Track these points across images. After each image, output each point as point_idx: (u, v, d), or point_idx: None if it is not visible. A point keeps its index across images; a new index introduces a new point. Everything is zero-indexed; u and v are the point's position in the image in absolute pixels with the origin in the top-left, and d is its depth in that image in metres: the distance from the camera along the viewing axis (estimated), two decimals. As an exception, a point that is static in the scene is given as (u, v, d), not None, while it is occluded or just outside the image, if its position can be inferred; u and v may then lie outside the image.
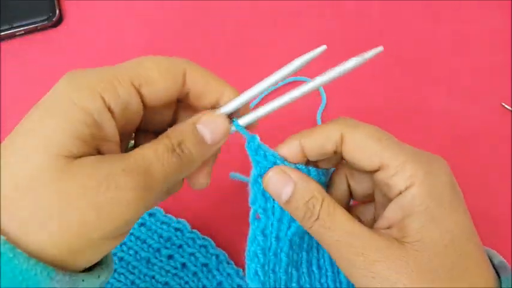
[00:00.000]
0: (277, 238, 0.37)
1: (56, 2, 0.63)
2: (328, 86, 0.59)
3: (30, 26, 0.62)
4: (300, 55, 0.59)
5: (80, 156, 0.28)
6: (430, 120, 0.57)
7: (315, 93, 0.59)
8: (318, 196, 0.33)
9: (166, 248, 0.50)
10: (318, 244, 0.42)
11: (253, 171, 0.36)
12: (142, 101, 0.32)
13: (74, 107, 0.28)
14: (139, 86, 0.31)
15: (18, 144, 0.28)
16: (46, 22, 0.62)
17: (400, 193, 0.32)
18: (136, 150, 0.31)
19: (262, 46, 0.61)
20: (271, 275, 0.38)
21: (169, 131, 0.33)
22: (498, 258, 0.33)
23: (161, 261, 0.50)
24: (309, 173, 0.35)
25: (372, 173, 0.34)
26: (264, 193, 0.35)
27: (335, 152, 0.35)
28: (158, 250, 0.50)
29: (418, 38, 0.62)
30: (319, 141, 0.34)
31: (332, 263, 0.46)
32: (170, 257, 0.50)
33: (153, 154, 0.30)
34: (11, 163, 0.27)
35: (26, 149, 0.27)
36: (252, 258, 0.36)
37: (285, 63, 0.60)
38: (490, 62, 0.60)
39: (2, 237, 0.25)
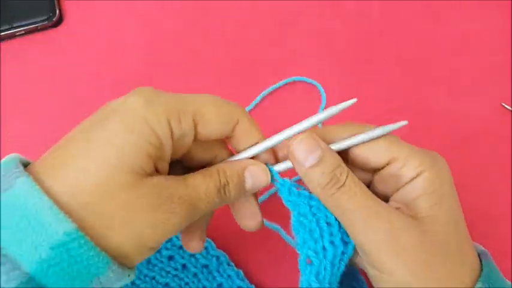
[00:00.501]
0: (330, 283, 0.35)
1: (56, 2, 0.62)
2: (328, 87, 0.59)
3: (30, 26, 0.62)
4: (300, 55, 0.60)
5: (147, 173, 0.32)
6: (430, 120, 0.57)
7: (314, 93, 0.59)
8: (343, 166, 0.34)
9: (167, 249, 0.50)
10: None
11: (294, 214, 0.36)
12: (195, 136, 0.35)
13: (148, 128, 0.31)
14: (197, 122, 0.34)
15: (95, 152, 0.30)
16: (46, 22, 0.62)
17: (411, 180, 0.34)
18: (191, 178, 0.34)
19: (262, 46, 0.61)
20: None
21: (220, 169, 0.36)
22: (479, 247, 0.37)
23: (162, 262, 0.50)
24: None
25: (376, 170, 0.36)
26: (311, 234, 0.35)
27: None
28: (159, 251, 0.50)
29: (418, 38, 0.62)
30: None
31: None
32: (171, 258, 0.50)
33: (204, 190, 0.34)
34: (91, 170, 0.30)
35: (103, 159, 0.30)
36: None
37: (285, 63, 0.60)
38: (490, 62, 0.60)
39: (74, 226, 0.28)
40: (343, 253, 0.35)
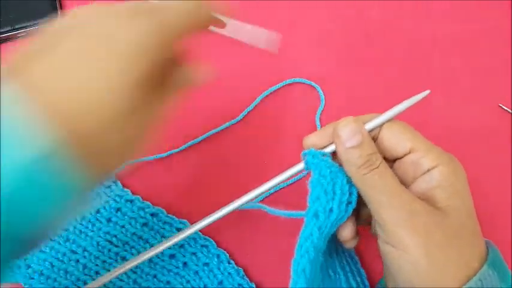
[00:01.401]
0: (325, 239, 0.40)
1: (57, 4, 0.63)
2: (327, 87, 0.60)
3: (32, 28, 0.62)
4: (300, 56, 0.60)
5: None
6: (428, 121, 0.58)
7: (314, 94, 0.59)
8: (378, 154, 0.39)
9: (168, 247, 0.51)
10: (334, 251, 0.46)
11: (315, 173, 0.39)
12: None
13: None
14: None
15: None
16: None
17: (428, 171, 0.38)
18: None
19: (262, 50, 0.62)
20: (316, 273, 0.40)
21: None
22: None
23: (163, 260, 0.51)
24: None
25: (396, 160, 0.40)
26: (326, 194, 0.39)
27: None
28: (160, 250, 0.51)
29: (416, 38, 0.62)
30: None
31: (343, 267, 0.47)
32: (172, 256, 0.51)
33: None
34: None
35: None
36: (303, 254, 0.37)
37: (284, 63, 0.60)
38: (489, 63, 0.61)
39: None
40: (342, 218, 0.39)
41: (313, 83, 0.59)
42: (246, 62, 0.61)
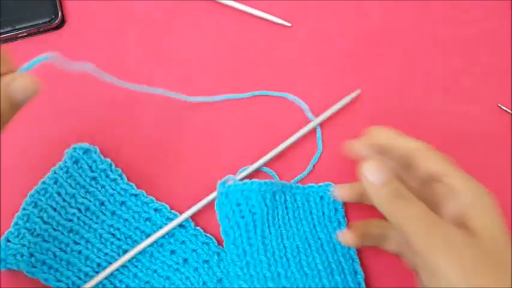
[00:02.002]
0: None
1: (58, 4, 0.63)
2: (327, 86, 0.60)
3: (33, 28, 0.62)
4: (300, 56, 0.61)
5: None
6: (427, 121, 0.58)
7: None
8: (403, 186, 0.41)
9: (170, 243, 0.52)
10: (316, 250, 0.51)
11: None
12: None
13: None
14: None
15: None
16: (48, 24, 0.62)
17: (458, 193, 0.40)
18: None
19: (262, 46, 0.62)
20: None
21: None
22: None
23: (164, 255, 0.52)
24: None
25: (428, 181, 0.43)
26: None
27: None
28: (162, 245, 0.52)
29: (415, 38, 0.62)
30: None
31: (329, 265, 0.51)
32: (173, 252, 0.52)
33: None
34: None
35: None
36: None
37: (285, 63, 0.61)
38: (488, 63, 0.61)
39: None
40: None
41: (296, 98, 0.59)
42: (246, 59, 0.61)
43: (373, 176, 0.41)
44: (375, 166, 0.41)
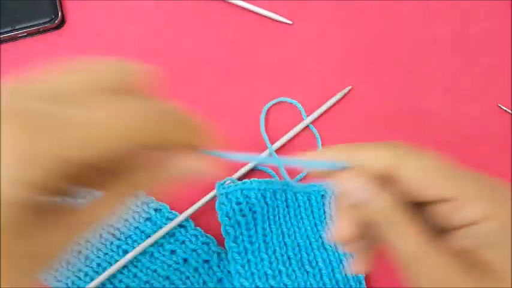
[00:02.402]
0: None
1: (58, 4, 0.63)
2: (327, 86, 0.60)
3: (33, 28, 0.62)
4: (299, 56, 0.61)
5: None
6: (427, 121, 0.58)
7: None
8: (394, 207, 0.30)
9: (170, 243, 0.52)
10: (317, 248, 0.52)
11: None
12: None
13: None
14: None
15: None
16: (48, 24, 0.62)
17: (472, 225, 0.29)
18: None
19: (262, 46, 0.63)
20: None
21: None
22: None
23: (164, 255, 0.52)
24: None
25: (427, 204, 0.31)
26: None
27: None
28: (162, 245, 0.52)
29: (415, 39, 0.62)
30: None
31: (330, 263, 0.51)
32: (173, 252, 0.52)
33: None
34: None
35: None
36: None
37: (284, 63, 0.61)
38: (488, 63, 0.61)
39: None
40: None
41: (295, 102, 0.60)
42: (245, 59, 0.62)
43: (354, 192, 0.30)
44: (356, 177, 0.30)
